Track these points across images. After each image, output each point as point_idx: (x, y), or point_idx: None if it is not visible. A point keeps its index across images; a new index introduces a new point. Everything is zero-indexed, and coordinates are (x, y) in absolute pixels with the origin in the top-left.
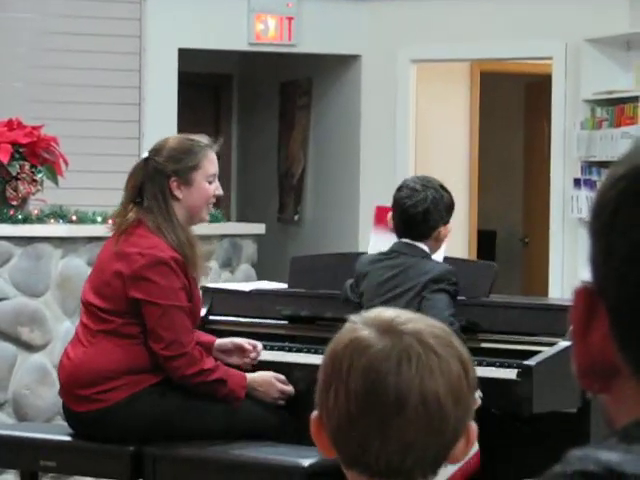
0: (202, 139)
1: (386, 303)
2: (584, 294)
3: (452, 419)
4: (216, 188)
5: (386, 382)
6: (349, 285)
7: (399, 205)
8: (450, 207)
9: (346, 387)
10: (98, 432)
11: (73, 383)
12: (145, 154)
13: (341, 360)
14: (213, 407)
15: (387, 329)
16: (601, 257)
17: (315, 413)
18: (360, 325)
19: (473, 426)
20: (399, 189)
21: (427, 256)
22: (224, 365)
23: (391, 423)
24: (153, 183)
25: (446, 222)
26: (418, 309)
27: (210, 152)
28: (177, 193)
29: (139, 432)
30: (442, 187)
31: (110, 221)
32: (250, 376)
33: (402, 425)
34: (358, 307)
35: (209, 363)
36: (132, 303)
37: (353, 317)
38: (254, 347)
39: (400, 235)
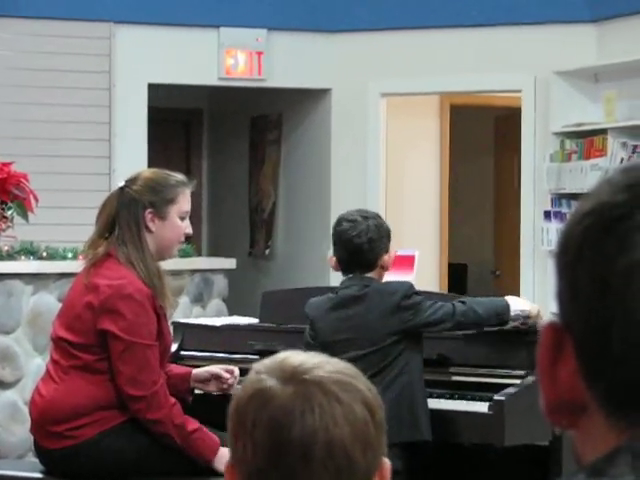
0: (178, 175)
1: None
2: (551, 330)
3: (362, 466)
4: (186, 226)
5: (290, 436)
6: (308, 331)
7: (343, 237)
8: (389, 235)
9: (252, 441)
10: (69, 469)
11: (44, 420)
12: (121, 183)
13: (245, 414)
14: None
15: (290, 378)
16: (567, 293)
17: (228, 461)
18: (264, 375)
19: (386, 464)
20: (338, 223)
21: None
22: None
23: (299, 475)
24: (128, 212)
25: (387, 250)
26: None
27: (186, 189)
28: (150, 225)
29: (109, 470)
30: (379, 216)
31: (81, 257)
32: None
33: (310, 476)
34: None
35: (188, 422)
36: (101, 336)
37: (257, 365)
38: (231, 372)
39: (346, 269)
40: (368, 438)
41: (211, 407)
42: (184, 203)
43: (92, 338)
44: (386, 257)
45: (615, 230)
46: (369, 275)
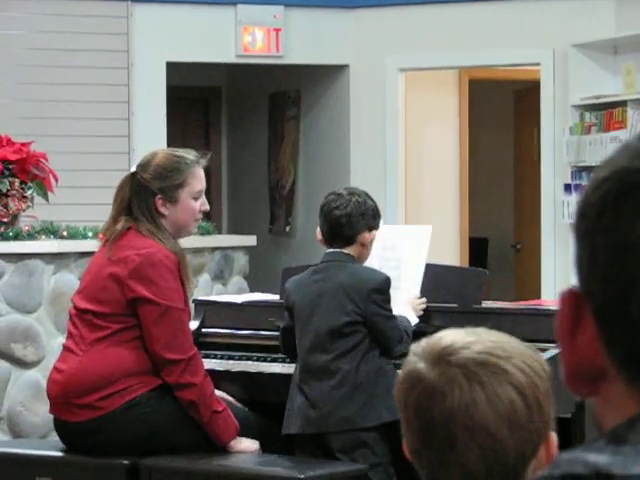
0: (189, 155)
1: (320, 313)
2: (570, 297)
3: (510, 444)
4: (202, 204)
5: (433, 417)
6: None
7: (325, 209)
8: (374, 214)
9: (407, 422)
10: (94, 442)
11: (69, 394)
12: (133, 168)
13: (400, 394)
14: None
15: (438, 360)
16: (586, 259)
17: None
18: (416, 357)
19: (553, 437)
20: (326, 197)
21: (354, 261)
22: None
23: (448, 456)
24: (139, 199)
25: (371, 228)
26: (359, 314)
27: (197, 169)
28: (162, 210)
29: (135, 441)
30: (367, 195)
31: (100, 235)
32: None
33: (458, 458)
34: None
35: (216, 401)
36: (130, 305)
37: (414, 346)
38: None
39: (327, 242)
40: (517, 419)
41: (231, 381)
42: (195, 184)
43: (119, 308)
44: (367, 235)
45: (634, 195)
46: (348, 250)
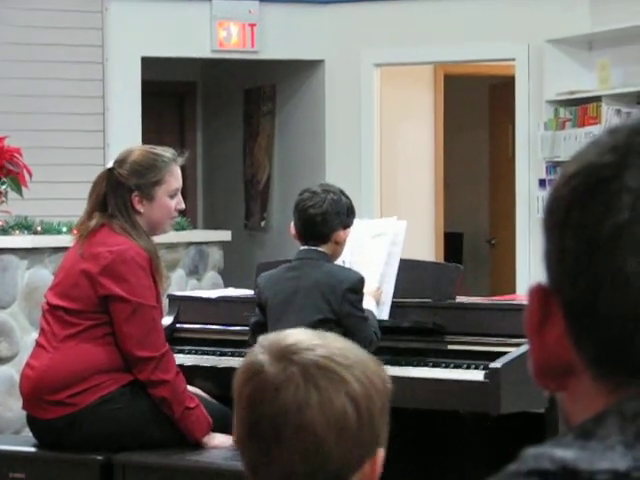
0: (166, 153)
1: (294, 310)
2: (539, 292)
3: (335, 454)
4: (178, 203)
5: (263, 411)
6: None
7: (299, 207)
8: (350, 211)
9: (237, 411)
10: (67, 439)
11: (41, 390)
12: (110, 164)
13: (236, 384)
14: None
15: (280, 356)
16: (554, 255)
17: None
18: (260, 350)
19: (380, 453)
20: (300, 193)
21: (328, 259)
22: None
23: (272, 451)
24: (115, 195)
25: (346, 225)
26: (334, 312)
27: (174, 167)
28: (139, 207)
29: (107, 437)
30: (342, 193)
31: (74, 231)
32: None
33: (282, 454)
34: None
35: (188, 397)
36: (101, 302)
37: (262, 338)
38: None
39: (302, 240)
40: (346, 428)
41: (204, 377)
42: (172, 182)
43: (90, 305)
44: (342, 233)
45: (602, 191)
46: (322, 248)
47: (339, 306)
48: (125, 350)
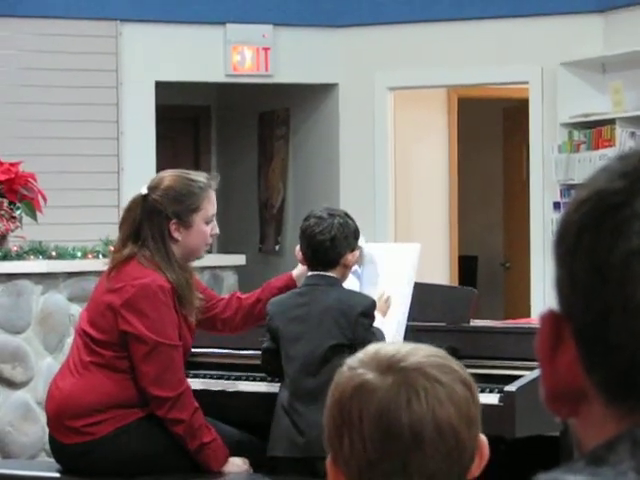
0: (201, 178)
1: (304, 332)
2: (550, 319)
3: (468, 442)
4: (213, 228)
5: (400, 422)
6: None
7: (307, 233)
8: (355, 234)
9: (360, 434)
10: (85, 466)
11: (62, 414)
12: (144, 190)
13: (350, 407)
14: None
15: (388, 368)
16: (566, 282)
17: (330, 459)
18: (361, 369)
19: (483, 439)
20: (306, 219)
21: (338, 284)
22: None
23: (412, 460)
24: (151, 223)
25: (353, 248)
26: (349, 337)
27: (210, 193)
28: (176, 235)
29: (124, 467)
30: (347, 215)
31: (111, 248)
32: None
33: (422, 460)
34: (276, 352)
35: (205, 432)
36: (123, 336)
37: (350, 361)
38: None
39: (310, 265)
40: (471, 416)
41: (218, 401)
42: (209, 208)
43: (113, 337)
44: (350, 256)
45: (612, 218)
46: (331, 273)
47: (352, 331)
48: (142, 388)
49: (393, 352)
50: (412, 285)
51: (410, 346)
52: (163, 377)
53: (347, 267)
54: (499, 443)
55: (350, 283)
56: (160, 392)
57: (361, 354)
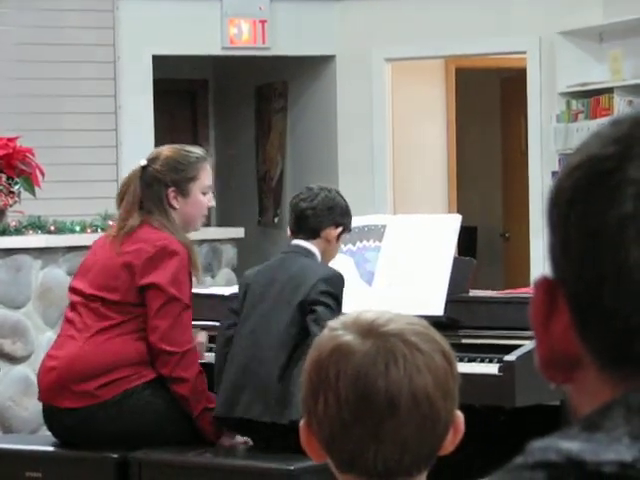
0: (198, 150)
1: (268, 300)
2: (544, 285)
3: (442, 413)
4: (209, 200)
5: (376, 386)
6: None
7: (293, 202)
8: (344, 212)
9: (336, 394)
10: (84, 433)
11: (68, 379)
12: (143, 162)
13: (327, 368)
14: None
15: (369, 332)
16: (559, 248)
17: (303, 421)
18: (341, 331)
19: (459, 415)
20: (300, 192)
21: (311, 255)
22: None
23: (385, 426)
24: (151, 191)
25: (338, 224)
26: (303, 306)
27: (206, 164)
28: (174, 203)
29: (125, 432)
30: (338, 193)
31: (111, 222)
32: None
33: (396, 426)
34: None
35: (207, 398)
36: (139, 294)
37: (332, 323)
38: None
39: (292, 234)
40: (447, 387)
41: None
42: (205, 179)
43: (128, 296)
44: (332, 230)
45: (605, 183)
46: (312, 245)
47: (308, 295)
48: (151, 342)
49: (375, 317)
50: (451, 256)
51: (393, 313)
52: (172, 333)
53: (329, 242)
54: (499, 413)
55: (342, 263)
56: (168, 347)
57: (342, 317)
